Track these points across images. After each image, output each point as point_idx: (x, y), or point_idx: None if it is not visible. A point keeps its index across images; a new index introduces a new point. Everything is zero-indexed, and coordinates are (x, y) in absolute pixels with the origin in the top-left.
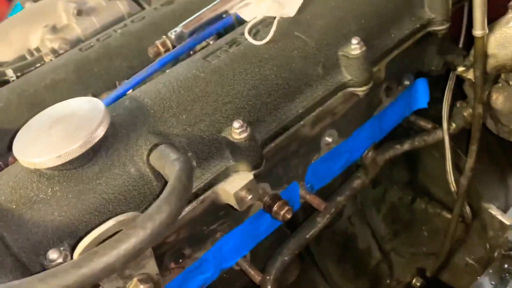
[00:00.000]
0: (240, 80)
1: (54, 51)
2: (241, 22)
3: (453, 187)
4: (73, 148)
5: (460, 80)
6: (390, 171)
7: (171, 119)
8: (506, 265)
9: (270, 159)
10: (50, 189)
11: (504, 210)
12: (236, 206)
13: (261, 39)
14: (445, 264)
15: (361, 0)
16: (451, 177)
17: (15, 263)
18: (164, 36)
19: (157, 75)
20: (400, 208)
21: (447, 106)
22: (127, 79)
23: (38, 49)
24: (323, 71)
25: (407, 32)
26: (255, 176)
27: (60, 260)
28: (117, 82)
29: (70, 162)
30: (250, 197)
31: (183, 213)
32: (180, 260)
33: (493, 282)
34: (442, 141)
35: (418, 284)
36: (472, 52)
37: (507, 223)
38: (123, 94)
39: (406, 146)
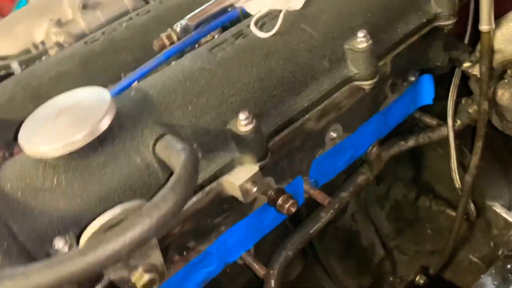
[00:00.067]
0: (246, 72)
1: (59, 45)
2: (246, 15)
3: (457, 184)
4: (79, 137)
5: (465, 77)
6: (394, 168)
7: (177, 110)
8: (509, 265)
9: (275, 153)
10: (55, 178)
11: (509, 208)
12: (241, 198)
13: (267, 32)
14: (448, 262)
15: None
16: (455, 174)
17: (21, 251)
18: (169, 29)
19: (162, 68)
20: (404, 206)
21: (452, 103)
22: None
23: (43, 43)
24: (329, 65)
25: (413, 26)
26: (260, 169)
27: (66, 248)
28: (122, 75)
29: (76, 151)
30: (255, 189)
31: (188, 205)
32: (184, 253)
33: (495, 282)
34: (447, 138)
35: (422, 281)
36: (478, 47)
37: None
38: (128, 86)
39: (411, 142)
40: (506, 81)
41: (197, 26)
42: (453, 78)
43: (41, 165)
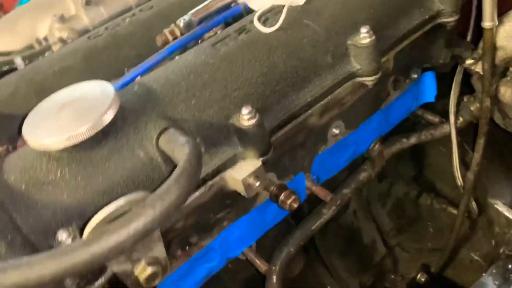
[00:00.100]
0: (249, 67)
1: (62, 41)
2: (249, 11)
3: (459, 181)
4: (83, 130)
5: (467, 75)
6: (396, 166)
7: (180, 104)
8: (510, 266)
9: (277, 148)
10: (59, 171)
11: (510, 206)
12: (243, 193)
13: (271, 27)
14: (450, 260)
15: None
16: (457, 172)
17: (25, 243)
18: (172, 25)
19: (165, 63)
20: (406, 203)
21: (454, 100)
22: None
23: (46, 39)
24: (332, 60)
25: (416, 23)
26: (263, 163)
27: (69, 240)
28: (125, 70)
29: (79, 144)
30: (257, 184)
31: (191, 199)
32: (187, 248)
33: (496, 282)
34: (449, 136)
35: (423, 279)
36: (480, 44)
37: None
38: (131, 80)
39: (413, 140)
40: (508, 78)
41: (200, 22)
42: (455, 76)
43: (44, 158)
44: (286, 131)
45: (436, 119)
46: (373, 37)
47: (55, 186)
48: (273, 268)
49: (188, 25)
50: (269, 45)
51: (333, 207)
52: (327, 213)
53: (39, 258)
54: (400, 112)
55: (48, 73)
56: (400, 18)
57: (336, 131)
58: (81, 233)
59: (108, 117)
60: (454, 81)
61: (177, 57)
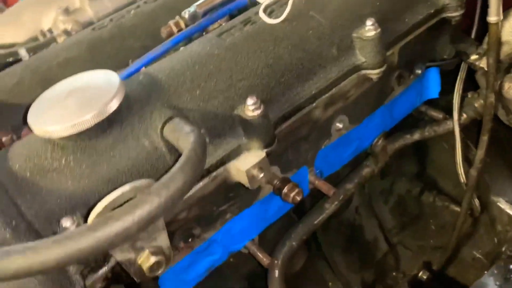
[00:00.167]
0: (254, 58)
1: (66, 33)
2: (254, 3)
3: (462, 178)
4: (88, 117)
5: (471, 72)
6: (399, 163)
7: (185, 94)
8: (511, 266)
9: (281, 140)
10: (64, 159)
11: None
12: (247, 184)
13: (276, 18)
14: (452, 258)
15: None
16: (460, 168)
17: (29, 229)
18: (177, 16)
19: (170, 54)
20: (408, 201)
21: (458, 96)
22: None
23: (50, 31)
24: (337, 53)
25: (421, 17)
26: (267, 155)
27: (73, 228)
28: (130, 61)
29: (84, 132)
30: (261, 175)
31: (195, 190)
32: (190, 240)
33: (497, 283)
34: (452, 132)
35: (424, 277)
36: (485, 39)
37: None
38: (136, 71)
39: (416, 136)
40: None
41: (205, 14)
42: (459, 72)
43: (49, 146)
44: (291, 123)
45: (439, 115)
46: (379, 30)
47: (59, 173)
48: (275, 262)
49: (193, 17)
50: (275, 36)
51: (336, 202)
52: (330, 207)
53: (44, 243)
54: (404, 108)
55: (52, 63)
56: (405, 11)
57: (340, 125)
58: (85, 221)
59: (113, 105)
60: (458, 78)
61: (182, 48)
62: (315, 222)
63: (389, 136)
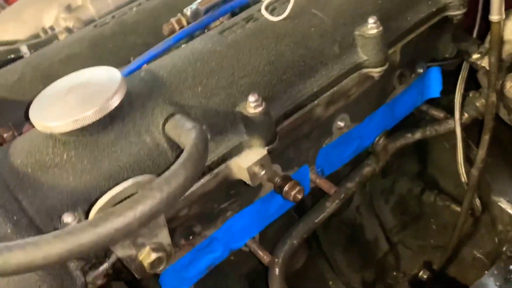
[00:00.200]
0: (256, 55)
1: (68, 30)
2: (256, 1)
3: (463, 178)
4: (89, 113)
5: (472, 71)
6: (400, 162)
7: (187, 91)
8: (511, 267)
9: (282, 138)
10: (65, 154)
11: None
12: (248, 182)
13: (278, 16)
14: (452, 258)
15: None
16: (462, 168)
17: (30, 225)
18: (179, 14)
19: (171, 51)
20: (409, 200)
21: (460, 96)
22: None
23: (52, 28)
24: (339, 50)
25: (423, 15)
26: (268, 152)
27: (75, 224)
28: (131, 58)
29: (86, 128)
30: (263, 172)
31: (196, 187)
32: (191, 237)
33: (497, 283)
34: (453, 132)
35: (425, 277)
36: (487, 39)
37: None
38: (138, 68)
39: (418, 135)
40: None
41: (206, 11)
42: (461, 72)
43: (51, 141)
44: (292, 121)
45: (441, 114)
46: (381, 28)
47: (61, 169)
48: (276, 260)
49: (195, 14)
50: (277, 33)
51: (337, 201)
52: (330, 206)
53: (46, 238)
54: (405, 107)
55: (54, 60)
56: (407, 10)
57: (341, 124)
58: (86, 217)
59: (115, 101)
60: (460, 77)
61: (183, 45)
62: (316, 220)
63: (390, 135)
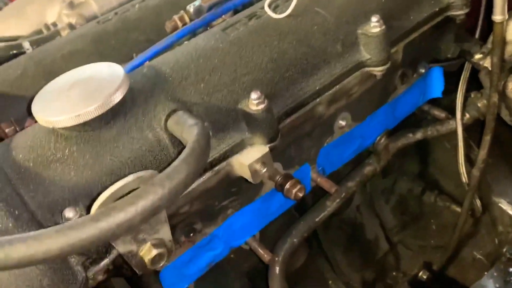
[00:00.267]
0: (259, 52)
1: (71, 26)
2: None
3: (464, 178)
4: (92, 108)
5: (474, 72)
6: (401, 162)
7: (189, 87)
8: (511, 269)
9: (284, 136)
10: (67, 149)
11: None
12: (250, 179)
13: (281, 13)
14: (452, 258)
15: None
16: (462, 168)
17: (32, 219)
18: (182, 11)
19: (173, 48)
20: (409, 200)
21: (462, 96)
22: None
23: (54, 24)
24: (341, 49)
25: (426, 15)
26: (270, 150)
27: (76, 219)
28: (134, 55)
29: (88, 123)
30: (264, 170)
31: (197, 183)
32: (191, 235)
33: (497, 285)
34: (454, 132)
35: (425, 277)
36: (489, 39)
37: None
38: (140, 64)
39: (419, 135)
40: None
41: (209, 9)
42: (463, 72)
43: (53, 136)
44: (294, 118)
45: (442, 114)
46: (383, 27)
47: (63, 164)
48: (276, 258)
49: (198, 11)
50: (279, 31)
51: (337, 200)
52: (331, 205)
53: (47, 232)
54: (407, 107)
55: (57, 56)
56: (410, 9)
57: (342, 123)
58: (87, 212)
59: (117, 97)
60: (462, 77)
61: (186, 42)
62: (316, 219)
63: (392, 135)
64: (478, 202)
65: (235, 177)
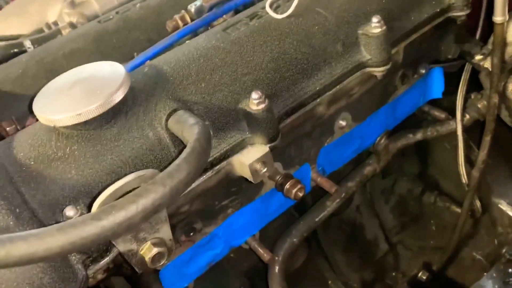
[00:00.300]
0: (260, 52)
1: (72, 25)
2: None
3: (464, 179)
4: (93, 107)
5: (474, 73)
6: (401, 163)
7: (190, 86)
8: (510, 270)
9: (285, 136)
10: (68, 148)
11: None
12: (250, 178)
13: (282, 13)
14: (452, 259)
15: None
16: (462, 169)
17: (32, 218)
18: (183, 11)
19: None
20: (409, 201)
21: (462, 97)
22: None
23: (56, 23)
24: (342, 49)
25: (427, 16)
26: (270, 150)
27: (77, 217)
28: (135, 54)
29: (89, 122)
30: (264, 169)
31: (198, 183)
32: (191, 234)
33: (496, 286)
34: (454, 133)
35: (424, 278)
36: (490, 40)
37: None
38: (141, 64)
39: (419, 135)
40: None
41: (211, 8)
42: (463, 73)
43: (54, 135)
44: (294, 118)
45: (442, 115)
46: (384, 27)
47: (63, 162)
48: (276, 258)
49: (199, 11)
50: (280, 31)
51: (337, 200)
52: (331, 205)
53: (48, 230)
54: (407, 107)
55: (58, 54)
56: (411, 10)
57: (343, 123)
58: (88, 211)
59: (118, 96)
60: (462, 78)
61: (187, 41)
62: (316, 219)
63: (392, 135)
64: (477, 203)
65: (235, 176)
